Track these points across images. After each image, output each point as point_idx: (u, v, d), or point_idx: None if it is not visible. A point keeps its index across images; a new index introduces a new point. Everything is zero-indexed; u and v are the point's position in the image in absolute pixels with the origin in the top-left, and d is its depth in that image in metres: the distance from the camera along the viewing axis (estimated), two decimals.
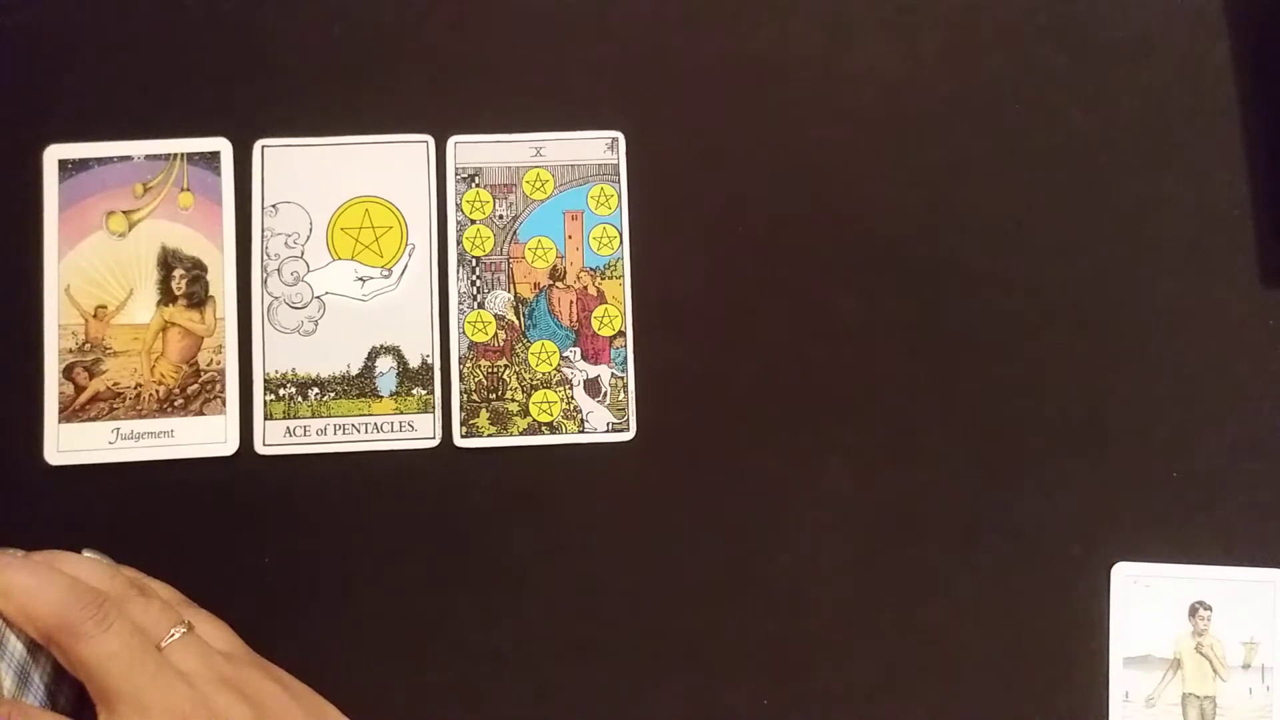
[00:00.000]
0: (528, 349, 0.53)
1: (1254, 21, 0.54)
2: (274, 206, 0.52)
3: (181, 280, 0.52)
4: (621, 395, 0.52)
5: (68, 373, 0.51)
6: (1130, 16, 0.54)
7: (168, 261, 0.52)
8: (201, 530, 0.51)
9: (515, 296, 0.53)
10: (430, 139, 0.53)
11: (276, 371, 0.52)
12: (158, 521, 0.51)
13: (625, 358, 0.53)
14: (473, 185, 0.53)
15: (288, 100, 0.53)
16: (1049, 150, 0.54)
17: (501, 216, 0.53)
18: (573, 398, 0.52)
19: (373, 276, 0.52)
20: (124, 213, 0.52)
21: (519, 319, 0.53)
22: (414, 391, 0.52)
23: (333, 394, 0.52)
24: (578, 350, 0.53)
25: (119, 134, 0.52)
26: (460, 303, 0.53)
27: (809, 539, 0.52)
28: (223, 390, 0.52)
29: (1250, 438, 0.52)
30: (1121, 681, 0.51)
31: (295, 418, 0.52)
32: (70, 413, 0.51)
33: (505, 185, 0.53)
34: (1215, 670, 0.51)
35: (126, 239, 0.52)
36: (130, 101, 0.53)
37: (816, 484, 0.52)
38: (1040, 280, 0.53)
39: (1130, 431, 0.52)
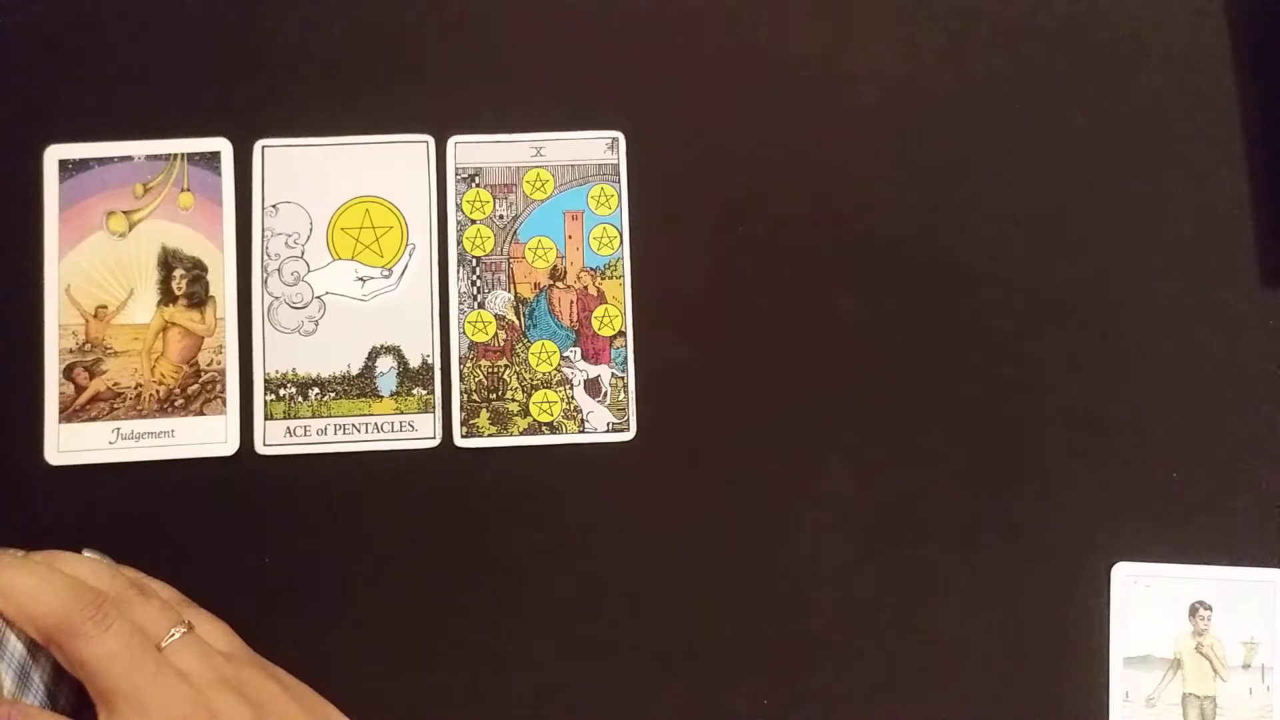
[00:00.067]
0: (528, 349, 0.53)
1: (1254, 21, 0.54)
2: (274, 206, 0.53)
3: (182, 280, 0.52)
4: (621, 395, 0.52)
5: (68, 373, 0.51)
6: (1130, 16, 0.54)
7: (168, 261, 0.52)
8: (201, 530, 0.51)
9: (515, 296, 0.53)
10: (430, 139, 0.53)
11: (277, 371, 0.52)
12: (158, 521, 0.51)
13: (625, 358, 0.53)
14: (473, 185, 0.53)
15: (288, 100, 0.53)
16: (1049, 150, 0.54)
17: (502, 216, 0.53)
18: (573, 398, 0.52)
19: (373, 276, 0.52)
20: (124, 213, 0.52)
21: (519, 319, 0.53)
22: (414, 391, 0.52)
23: (333, 394, 0.52)
24: (578, 350, 0.53)
25: (119, 134, 0.52)
26: (460, 303, 0.53)
27: (809, 539, 0.52)
28: (223, 390, 0.52)
29: (1250, 438, 0.52)
30: (1121, 681, 0.51)
31: (295, 418, 0.52)
32: (70, 413, 0.51)
33: (505, 185, 0.53)
34: (1215, 670, 0.51)
35: (127, 239, 0.52)
36: (130, 101, 0.53)
37: (816, 484, 0.52)
38: (1040, 280, 0.53)
39: (1130, 431, 0.52)
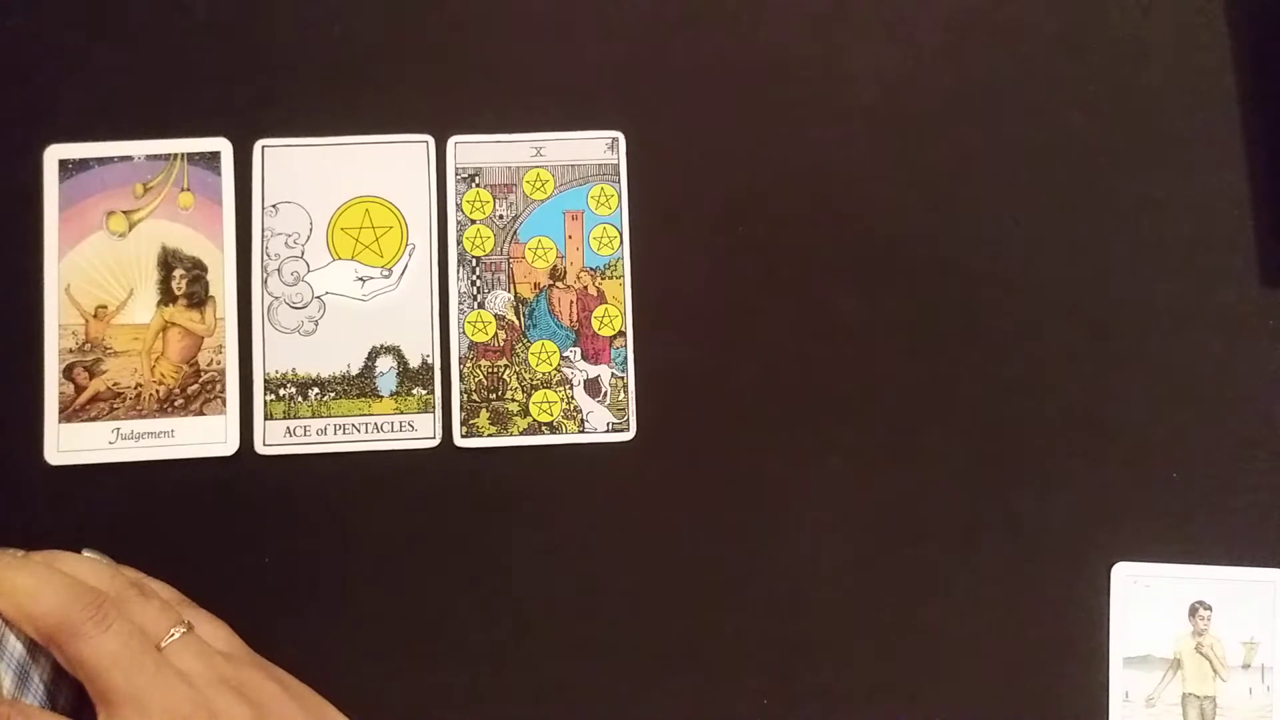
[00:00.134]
0: (528, 349, 0.53)
1: (1254, 21, 0.54)
2: (274, 206, 0.52)
3: (181, 280, 0.52)
4: (621, 395, 0.52)
5: (68, 373, 0.51)
6: (1130, 17, 0.54)
7: (168, 261, 0.52)
8: (201, 530, 0.51)
9: (515, 296, 0.53)
10: (430, 139, 0.53)
11: (276, 371, 0.52)
12: (158, 521, 0.51)
13: (625, 358, 0.53)
14: (473, 185, 0.53)
15: (288, 100, 0.53)
16: (1049, 150, 0.54)
17: (501, 216, 0.53)
18: (573, 398, 0.52)
19: (373, 276, 0.52)
20: (124, 213, 0.52)
21: (519, 319, 0.53)
22: (414, 391, 0.52)
23: (333, 394, 0.52)
24: (578, 350, 0.53)
25: (119, 134, 0.52)
26: (460, 303, 0.53)
27: (809, 539, 0.52)
28: (223, 390, 0.52)
29: (1250, 438, 0.52)
30: (1121, 681, 0.51)
31: (295, 418, 0.52)
32: (70, 413, 0.51)
33: (505, 185, 0.53)
34: (1215, 670, 0.51)
35: (127, 239, 0.52)
36: (130, 101, 0.53)
37: (816, 484, 0.52)
38: (1040, 280, 0.53)
39: (1130, 431, 0.52)
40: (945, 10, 0.54)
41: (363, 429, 0.52)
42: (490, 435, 0.52)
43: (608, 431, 0.52)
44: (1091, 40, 0.54)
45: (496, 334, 0.52)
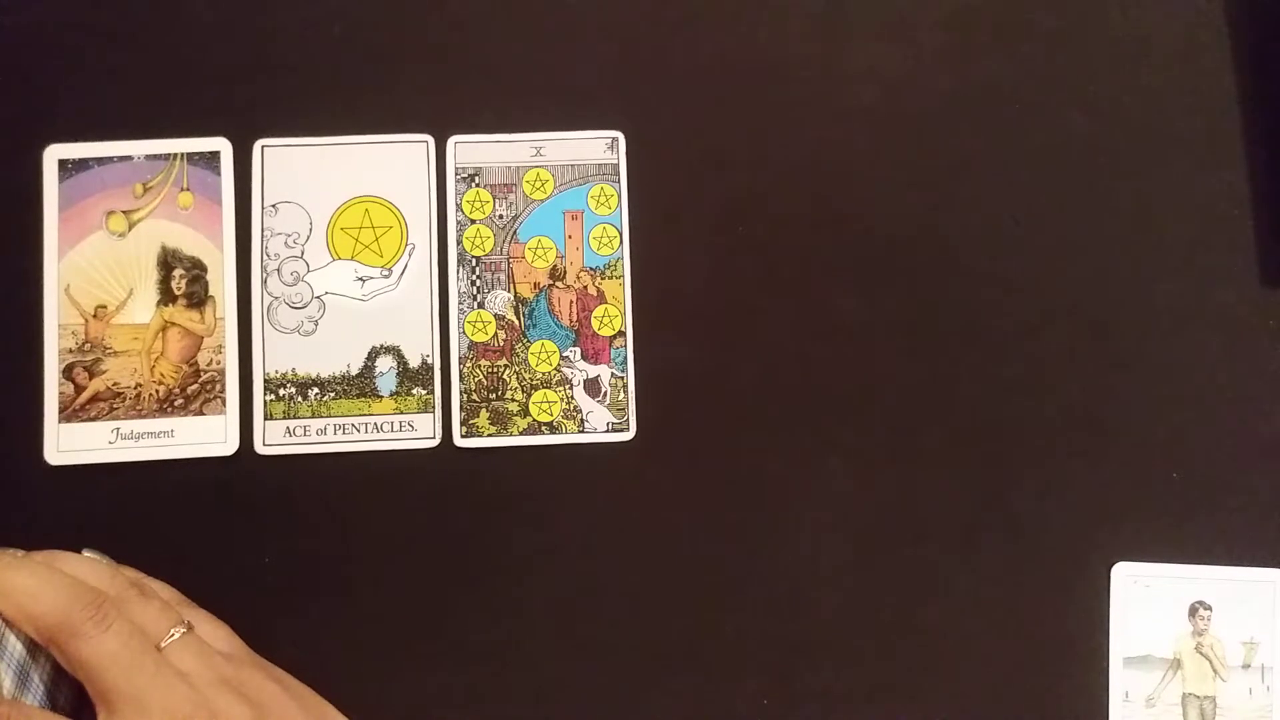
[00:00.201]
0: (528, 349, 0.53)
1: (1254, 21, 0.54)
2: (274, 206, 0.52)
3: (181, 280, 0.52)
4: (621, 395, 0.52)
5: (68, 373, 0.51)
6: (1130, 16, 0.54)
7: (168, 261, 0.52)
8: (201, 530, 0.51)
9: (515, 296, 0.53)
10: (430, 139, 0.53)
11: (276, 371, 0.52)
12: (158, 521, 0.51)
13: (625, 358, 0.53)
14: (473, 185, 0.53)
15: (288, 100, 0.53)
16: (1049, 150, 0.54)
17: (501, 216, 0.53)
18: (573, 398, 0.52)
19: (373, 276, 0.52)
20: (124, 213, 0.52)
21: (519, 319, 0.53)
22: (414, 391, 0.52)
23: (333, 394, 0.52)
24: (578, 350, 0.53)
25: (119, 134, 0.52)
26: (460, 303, 0.53)
27: (809, 539, 0.52)
28: (223, 390, 0.52)
29: (1250, 438, 0.52)
30: (1121, 681, 0.51)
31: (295, 418, 0.52)
32: (70, 413, 0.51)
33: (505, 185, 0.53)
34: (1215, 670, 0.51)
35: (126, 239, 0.52)
36: (130, 101, 0.53)
37: (816, 484, 0.52)
38: (1040, 280, 0.53)
39: (1130, 431, 0.52)
40: (945, 10, 0.54)
41: (363, 429, 0.52)
42: (490, 435, 0.52)
43: (608, 431, 0.52)
44: (1091, 40, 0.54)
45: (496, 334, 0.52)
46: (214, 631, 0.47)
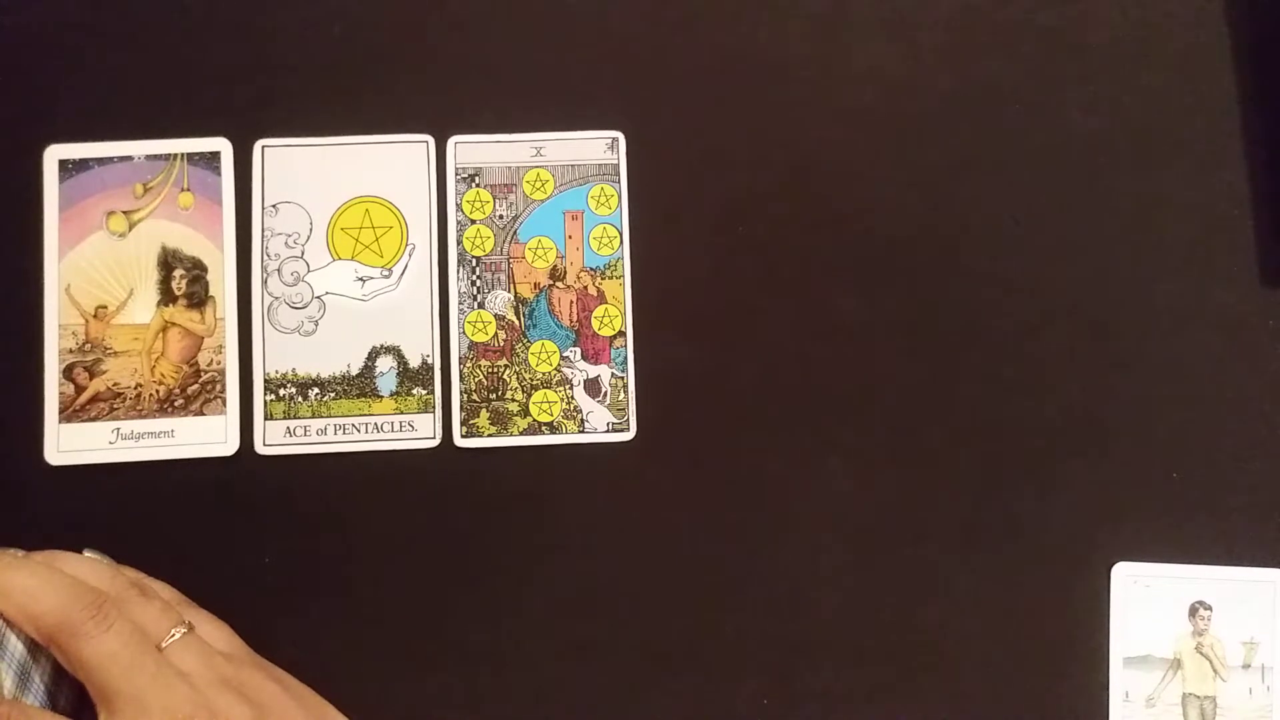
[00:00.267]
0: (528, 349, 0.53)
1: (1254, 21, 0.54)
2: (274, 206, 0.53)
3: (181, 280, 0.52)
4: (621, 395, 0.52)
5: (68, 373, 0.51)
6: (1130, 16, 0.54)
7: (168, 261, 0.52)
8: (201, 530, 0.51)
9: (515, 296, 0.53)
10: (430, 139, 0.53)
11: (276, 371, 0.52)
12: (158, 521, 0.51)
13: (625, 358, 0.53)
14: (473, 185, 0.53)
15: (288, 100, 0.53)
16: (1049, 150, 0.54)
17: (501, 216, 0.53)
18: (573, 398, 0.52)
19: (373, 276, 0.52)
20: (124, 213, 0.52)
21: (519, 319, 0.53)
22: (414, 391, 0.52)
23: (333, 394, 0.52)
24: (578, 350, 0.53)
25: (119, 134, 0.52)
26: (460, 303, 0.53)
27: (809, 539, 0.52)
28: (223, 390, 0.52)
29: (1250, 438, 0.52)
30: (1121, 681, 0.51)
31: (295, 418, 0.52)
32: (70, 413, 0.51)
33: (505, 185, 0.53)
34: (1215, 670, 0.51)
35: (126, 239, 0.52)
36: (130, 101, 0.53)
37: (816, 484, 0.52)
38: (1040, 280, 0.53)
39: (1130, 431, 0.52)
40: (945, 10, 0.54)
41: (363, 429, 0.52)
42: (490, 435, 0.52)
43: (608, 431, 0.52)
44: (1091, 40, 0.54)
45: (496, 334, 0.52)
46: (214, 631, 0.47)
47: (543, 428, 0.52)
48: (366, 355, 0.52)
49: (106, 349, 0.52)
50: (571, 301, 0.53)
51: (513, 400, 0.52)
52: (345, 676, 0.48)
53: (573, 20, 0.54)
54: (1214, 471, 0.52)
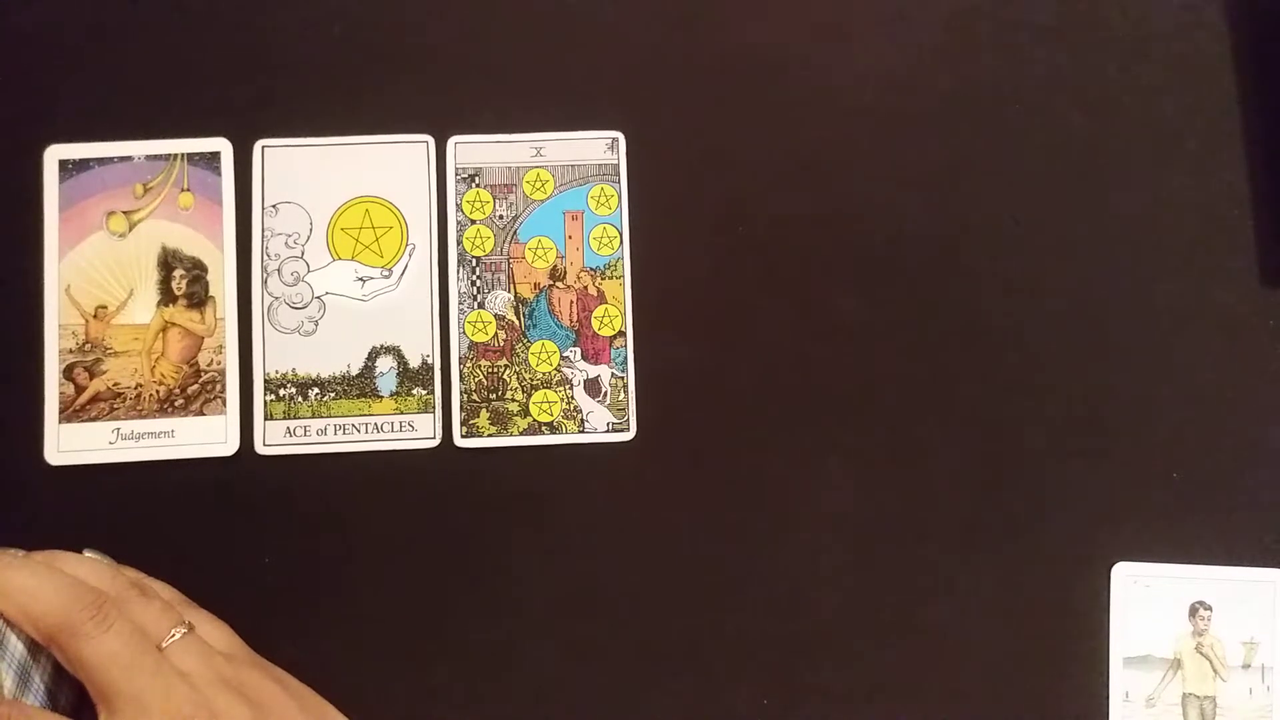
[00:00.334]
0: (528, 349, 0.53)
1: (1254, 21, 0.54)
2: (274, 206, 0.53)
3: (182, 280, 0.52)
4: (621, 395, 0.52)
5: (68, 373, 0.51)
6: (1130, 16, 0.54)
7: (168, 262, 0.52)
8: (201, 530, 0.51)
9: (515, 296, 0.53)
10: (430, 139, 0.53)
11: (276, 371, 0.52)
12: (158, 521, 0.51)
13: (625, 358, 0.53)
14: (473, 185, 0.53)
15: (288, 100, 0.53)
16: (1049, 150, 0.54)
17: (501, 216, 0.53)
18: (573, 398, 0.52)
19: (373, 276, 0.52)
20: (124, 213, 0.52)
21: (519, 319, 0.53)
22: (414, 391, 0.52)
23: (333, 394, 0.52)
24: (578, 350, 0.53)
25: (119, 134, 0.52)
26: (460, 303, 0.53)
27: (809, 539, 0.52)
28: (223, 390, 0.52)
29: (1250, 438, 0.52)
30: (1121, 681, 0.51)
31: (295, 418, 0.52)
32: (70, 413, 0.51)
33: (505, 185, 0.53)
34: (1215, 670, 0.51)
35: (127, 239, 0.52)
36: (130, 101, 0.53)
37: (816, 484, 0.52)
38: (1040, 280, 0.53)
39: (1130, 431, 0.52)
40: (945, 10, 0.54)
41: (363, 429, 0.52)
42: (490, 435, 0.52)
43: (608, 431, 0.52)
44: (1092, 40, 0.54)
45: (496, 334, 0.52)
46: (214, 631, 0.47)
47: (543, 428, 0.52)
48: (366, 355, 0.52)
49: (106, 349, 0.52)
50: (571, 301, 0.53)
51: (513, 400, 0.52)
52: (345, 676, 0.48)
53: (573, 20, 0.54)
54: (1214, 471, 0.52)
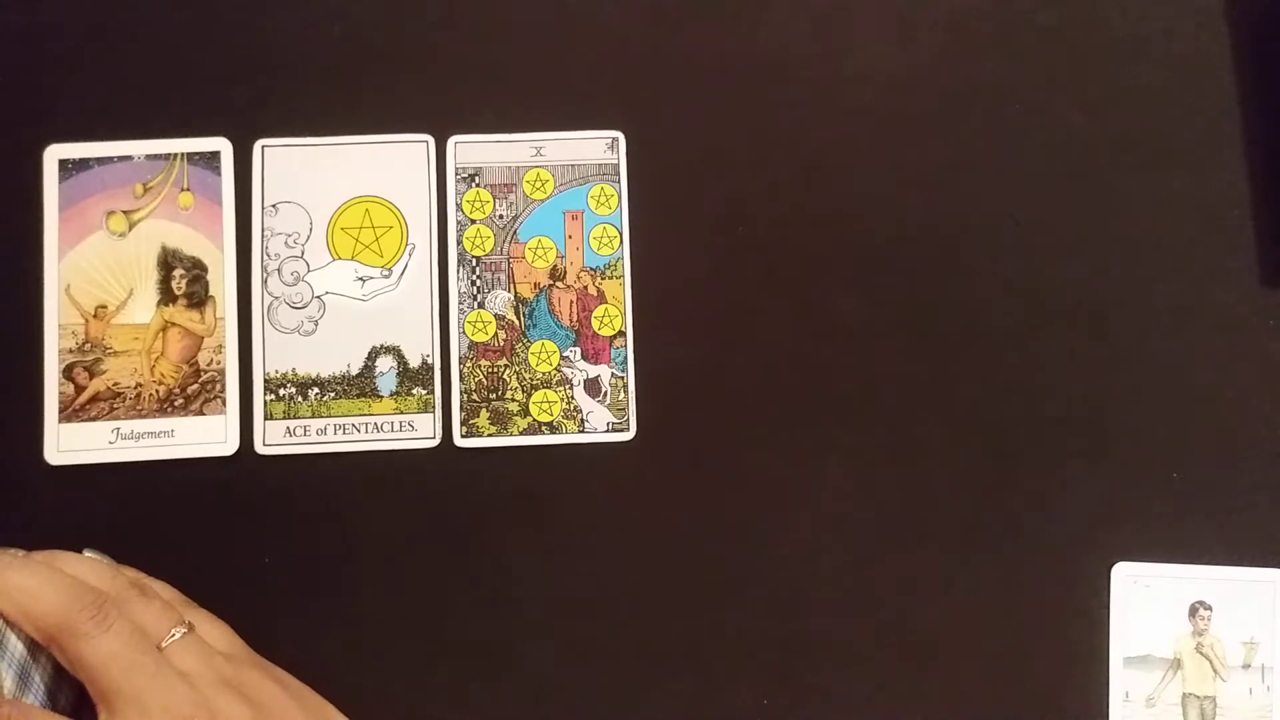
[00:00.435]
0: (528, 349, 0.53)
1: (1254, 21, 0.54)
2: (274, 206, 0.53)
3: (181, 280, 0.52)
4: (621, 395, 0.52)
5: (68, 373, 0.51)
6: (1130, 16, 0.54)
7: (168, 261, 0.52)
8: (201, 530, 0.51)
9: (515, 296, 0.53)
10: (430, 139, 0.53)
11: (276, 371, 0.52)
12: (158, 521, 0.51)
13: (625, 358, 0.53)
14: (473, 185, 0.53)
15: (288, 100, 0.53)
16: (1049, 150, 0.54)
17: (501, 216, 0.53)
18: (573, 398, 0.52)
19: (373, 276, 0.52)
20: (124, 213, 0.52)
21: (519, 319, 0.53)
22: (414, 391, 0.52)
23: (333, 394, 0.52)
24: (578, 350, 0.53)
25: (119, 134, 0.52)
26: (460, 303, 0.53)
27: (809, 539, 0.52)
28: (223, 390, 0.52)
29: (1250, 438, 0.52)
30: (1121, 681, 0.51)
31: (295, 418, 0.52)
32: (70, 413, 0.51)
33: (505, 185, 0.53)
34: (1215, 670, 0.51)
35: (126, 239, 0.52)
36: (130, 101, 0.53)
37: (816, 484, 0.52)
38: (1040, 280, 0.53)
39: (1130, 431, 0.52)
40: (945, 10, 0.54)
41: (363, 429, 0.52)
42: (490, 435, 0.52)
43: (608, 431, 0.52)
44: (1091, 40, 0.54)
45: (496, 334, 0.52)
46: (214, 631, 0.47)
47: (543, 428, 0.52)
48: (366, 355, 0.52)
49: (106, 349, 0.52)
50: (571, 301, 0.53)
51: (513, 400, 0.52)
52: (345, 676, 0.48)
53: (573, 20, 0.54)
54: (1214, 471, 0.52)
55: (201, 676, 0.44)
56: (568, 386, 0.52)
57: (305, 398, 0.52)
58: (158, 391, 0.51)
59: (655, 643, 0.51)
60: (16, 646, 0.44)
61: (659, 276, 0.53)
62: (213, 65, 0.53)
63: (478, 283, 0.53)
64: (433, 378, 0.52)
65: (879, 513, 0.52)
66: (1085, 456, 0.52)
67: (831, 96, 0.54)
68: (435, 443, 0.52)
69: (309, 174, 0.53)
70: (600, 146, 0.53)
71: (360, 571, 0.51)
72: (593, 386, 0.52)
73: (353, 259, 0.53)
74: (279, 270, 0.52)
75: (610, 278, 0.53)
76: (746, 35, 0.54)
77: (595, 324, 0.53)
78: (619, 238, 0.53)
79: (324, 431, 0.52)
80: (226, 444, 0.51)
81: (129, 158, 0.52)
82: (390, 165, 0.53)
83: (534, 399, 0.52)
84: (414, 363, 0.52)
